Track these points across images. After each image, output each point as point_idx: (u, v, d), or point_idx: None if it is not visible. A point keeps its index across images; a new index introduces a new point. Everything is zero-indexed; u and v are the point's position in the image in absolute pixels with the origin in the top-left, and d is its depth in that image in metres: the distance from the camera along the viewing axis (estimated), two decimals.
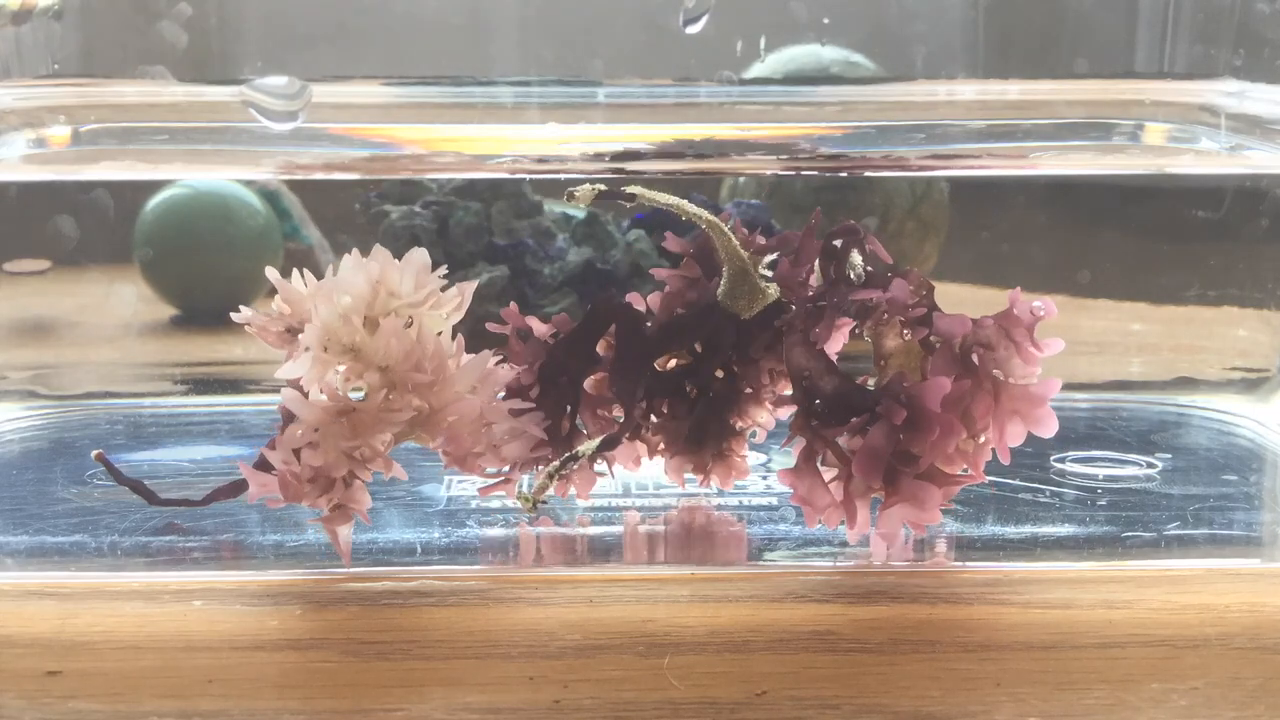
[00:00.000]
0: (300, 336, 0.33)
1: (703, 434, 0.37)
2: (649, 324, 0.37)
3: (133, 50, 0.40)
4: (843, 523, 0.33)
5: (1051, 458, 0.42)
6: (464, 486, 0.40)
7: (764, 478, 0.41)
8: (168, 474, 0.42)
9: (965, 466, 0.33)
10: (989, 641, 0.32)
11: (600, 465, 0.37)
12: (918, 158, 0.42)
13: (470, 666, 0.31)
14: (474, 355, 0.34)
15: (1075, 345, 0.45)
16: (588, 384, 0.37)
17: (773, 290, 0.36)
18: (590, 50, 0.42)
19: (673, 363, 0.37)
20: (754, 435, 0.38)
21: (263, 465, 0.34)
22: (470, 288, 0.34)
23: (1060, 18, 0.43)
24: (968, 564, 0.36)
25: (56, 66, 0.40)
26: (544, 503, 0.34)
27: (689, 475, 0.38)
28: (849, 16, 0.43)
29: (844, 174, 0.49)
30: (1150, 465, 0.42)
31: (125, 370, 0.49)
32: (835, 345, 0.36)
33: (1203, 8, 0.41)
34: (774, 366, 0.37)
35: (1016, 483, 0.40)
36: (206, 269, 0.51)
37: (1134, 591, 0.35)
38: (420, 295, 0.33)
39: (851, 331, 0.36)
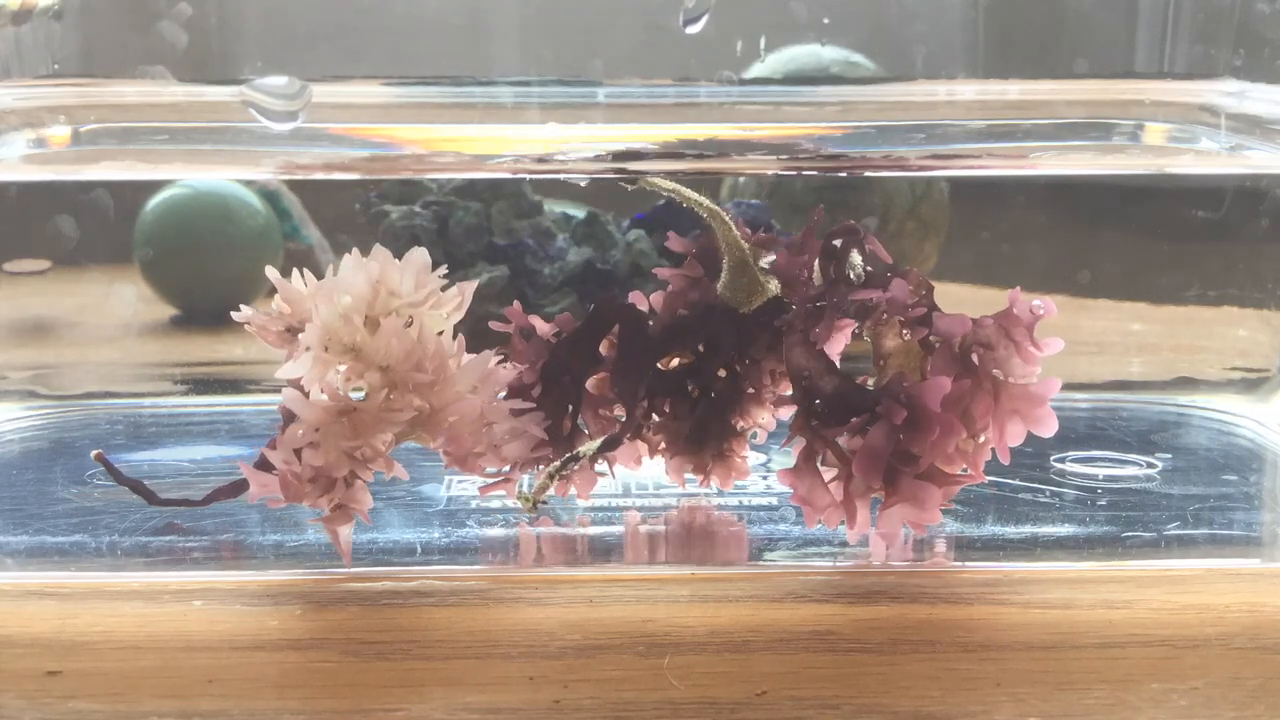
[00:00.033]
0: (300, 336, 0.33)
1: (704, 434, 0.37)
2: (651, 323, 0.37)
3: (133, 50, 0.39)
4: (843, 523, 0.33)
5: (1051, 458, 0.42)
6: (464, 486, 0.40)
7: (764, 478, 0.41)
8: (168, 474, 0.42)
9: (965, 466, 0.33)
10: (989, 641, 0.32)
11: (601, 465, 0.37)
12: (918, 158, 0.42)
13: (470, 666, 0.31)
14: (475, 355, 0.34)
15: (1075, 345, 0.45)
16: (590, 384, 0.37)
17: (773, 285, 0.36)
18: (590, 50, 0.42)
19: (675, 361, 0.37)
20: (754, 436, 0.38)
21: (263, 465, 0.34)
22: (470, 287, 0.34)
23: (1060, 18, 0.43)
24: (968, 564, 0.36)
25: (56, 66, 0.40)
26: (544, 503, 0.34)
27: (689, 475, 0.38)
28: (849, 16, 0.43)
29: (843, 174, 0.49)
30: (1150, 465, 0.42)
31: (125, 370, 0.49)
32: (837, 347, 0.36)
33: (1203, 8, 0.41)
34: (775, 367, 0.37)
35: (1016, 483, 0.40)
36: (206, 269, 0.51)
37: (1134, 591, 0.35)
38: (420, 295, 0.33)
39: (851, 331, 0.36)
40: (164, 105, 0.40)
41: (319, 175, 0.45)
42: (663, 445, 0.38)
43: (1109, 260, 0.49)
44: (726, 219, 0.35)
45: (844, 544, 0.36)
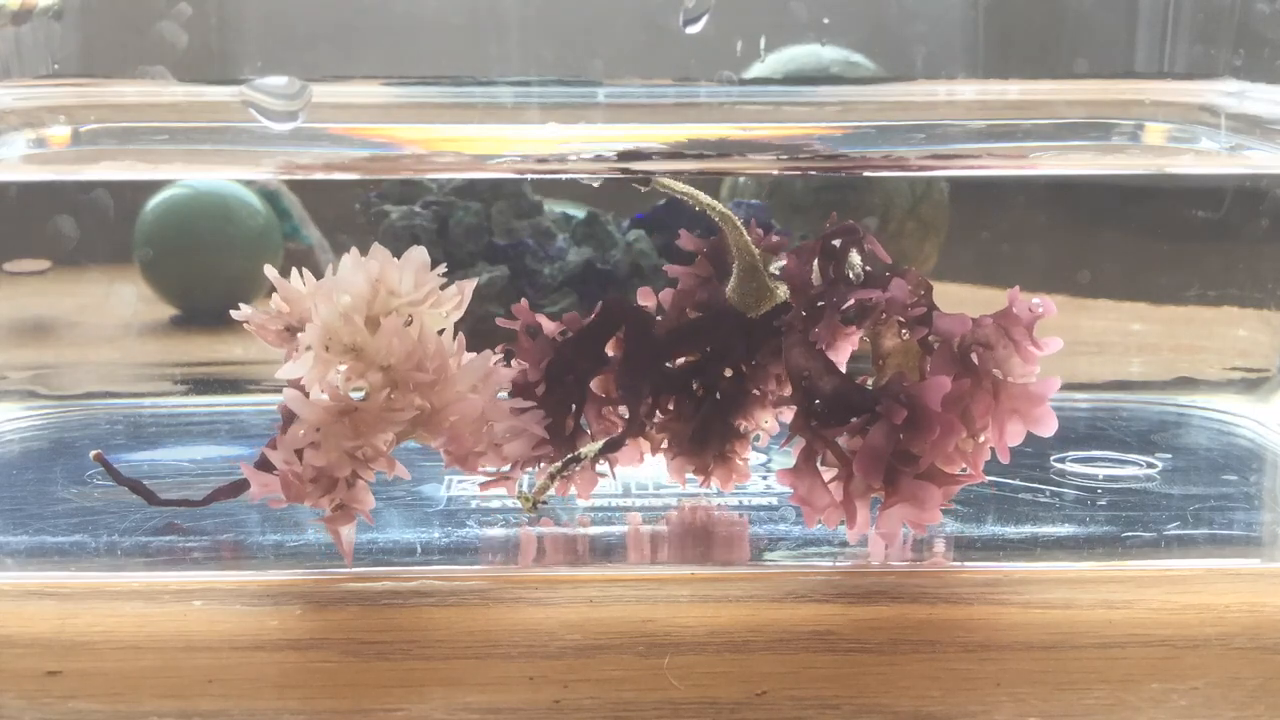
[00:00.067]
0: (300, 335, 0.33)
1: (707, 435, 0.37)
2: (659, 318, 0.36)
3: (133, 50, 0.39)
4: (842, 523, 0.33)
5: (1051, 458, 0.42)
6: (464, 486, 0.40)
7: (764, 478, 0.41)
8: (168, 474, 0.42)
9: (965, 466, 0.33)
10: (989, 641, 0.32)
11: (602, 466, 0.37)
12: (918, 158, 0.42)
13: (470, 666, 0.31)
14: (476, 355, 0.34)
15: (1075, 345, 0.45)
16: (594, 384, 0.37)
17: (781, 291, 0.36)
18: (590, 50, 0.42)
19: (681, 359, 0.37)
20: (757, 439, 0.38)
21: (263, 465, 0.34)
22: (470, 285, 0.34)
23: (1060, 18, 0.43)
24: (968, 564, 0.36)
25: (56, 66, 0.40)
26: (544, 503, 0.34)
27: (689, 475, 0.38)
28: (849, 16, 0.43)
29: (842, 174, 0.49)
30: (1150, 465, 0.42)
31: (125, 370, 0.49)
32: (844, 354, 0.36)
33: (1203, 8, 0.41)
34: (781, 371, 0.37)
35: (1016, 483, 0.40)
36: (206, 269, 0.51)
37: (1134, 591, 0.35)
38: (420, 294, 0.33)
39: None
40: (164, 105, 0.40)
41: (319, 175, 0.45)
42: (665, 445, 0.38)
43: (1109, 260, 0.49)
44: (738, 223, 0.35)
45: (844, 544, 0.36)
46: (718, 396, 0.37)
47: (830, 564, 0.36)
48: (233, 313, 0.35)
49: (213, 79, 0.40)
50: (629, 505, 0.40)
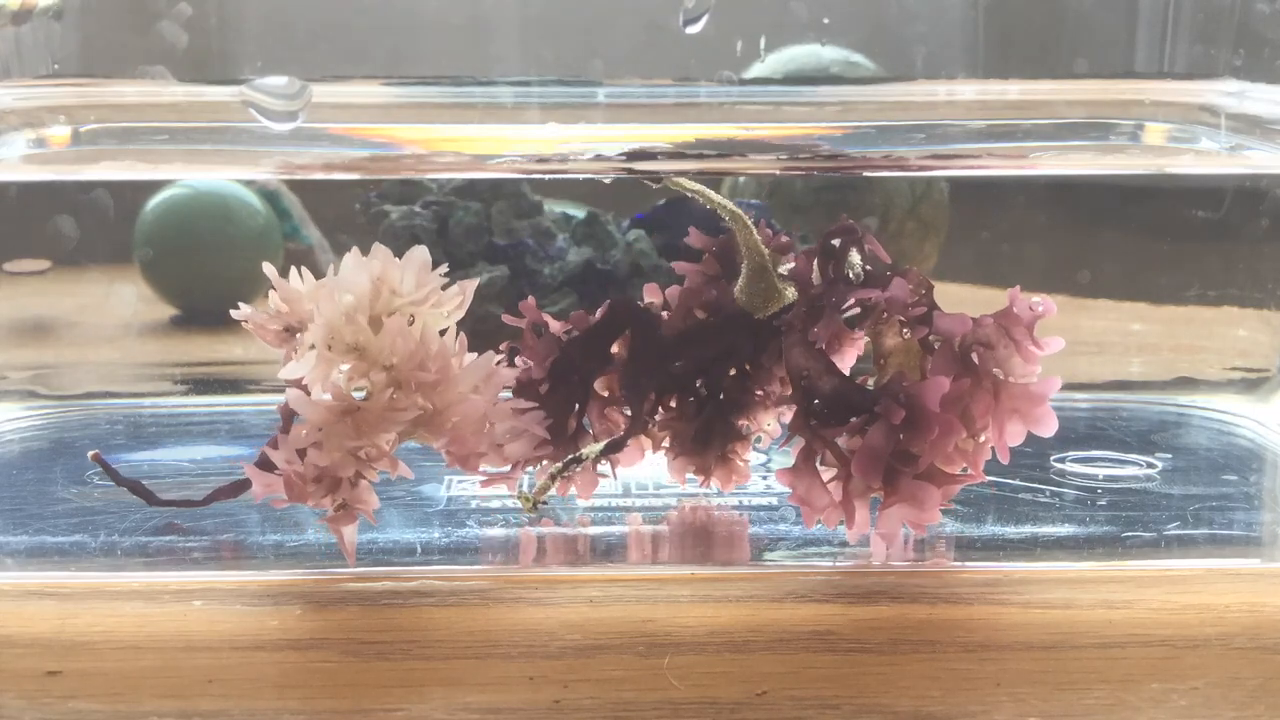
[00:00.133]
0: (300, 335, 0.33)
1: (709, 435, 0.37)
2: (666, 319, 0.36)
3: (133, 50, 0.39)
4: (842, 523, 0.33)
5: (1051, 458, 0.42)
6: (464, 486, 0.40)
7: (764, 478, 0.41)
8: (168, 474, 0.42)
9: (965, 466, 0.33)
10: (989, 641, 0.32)
11: (603, 467, 0.37)
12: (918, 158, 0.42)
13: (470, 666, 0.31)
14: (478, 355, 0.34)
15: (1075, 345, 0.45)
16: (597, 384, 0.37)
17: (790, 292, 0.36)
18: (590, 50, 0.42)
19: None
20: (759, 440, 0.38)
21: (263, 464, 0.33)
22: (471, 285, 0.34)
23: (1060, 18, 0.43)
24: (968, 564, 0.36)
25: (56, 66, 0.40)
26: (544, 503, 0.34)
27: (690, 475, 0.38)
28: (849, 16, 0.43)
29: (840, 174, 0.49)
30: (1150, 465, 0.42)
31: (125, 370, 0.49)
32: (849, 358, 0.36)
33: (1203, 8, 0.41)
34: (785, 374, 0.37)
35: (1016, 483, 0.40)
36: (206, 269, 0.51)
37: (1134, 591, 0.35)
38: (422, 293, 0.33)
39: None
40: (164, 105, 0.40)
41: (319, 175, 0.45)
42: (666, 444, 0.38)
43: (1109, 260, 0.49)
44: (748, 223, 0.35)
45: (844, 544, 0.36)
46: (721, 397, 0.37)
47: (830, 564, 0.36)
48: (232, 313, 0.35)
49: (213, 79, 0.40)
50: (629, 505, 0.40)
